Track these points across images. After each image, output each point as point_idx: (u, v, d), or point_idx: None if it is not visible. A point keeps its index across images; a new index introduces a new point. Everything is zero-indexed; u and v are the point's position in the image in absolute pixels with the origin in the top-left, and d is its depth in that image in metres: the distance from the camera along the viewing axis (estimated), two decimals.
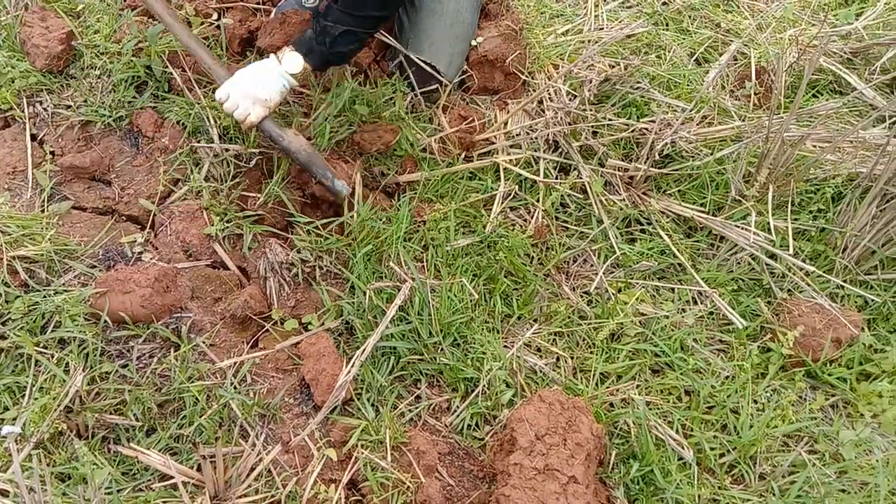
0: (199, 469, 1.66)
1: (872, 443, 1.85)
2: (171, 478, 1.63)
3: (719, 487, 1.76)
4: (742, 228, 2.15)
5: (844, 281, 2.11)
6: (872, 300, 2.08)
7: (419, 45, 2.27)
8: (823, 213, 2.21)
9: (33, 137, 2.24)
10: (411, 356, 1.89)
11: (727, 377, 1.95)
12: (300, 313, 2.00)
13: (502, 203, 2.20)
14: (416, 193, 2.18)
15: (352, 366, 1.81)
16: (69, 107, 2.30)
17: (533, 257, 2.14)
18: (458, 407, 1.85)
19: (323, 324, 1.97)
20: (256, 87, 1.96)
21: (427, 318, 1.92)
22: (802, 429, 1.87)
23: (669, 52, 2.61)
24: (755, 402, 1.91)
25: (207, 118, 2.22)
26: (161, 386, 1.79)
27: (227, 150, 2.18)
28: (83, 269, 1.94)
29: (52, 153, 2.21)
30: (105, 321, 1.82)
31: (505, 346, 1.95)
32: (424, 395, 1.86)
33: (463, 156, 2.27)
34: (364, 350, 1.84)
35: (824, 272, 2.11)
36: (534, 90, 2.38)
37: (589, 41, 2.52)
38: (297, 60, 1.99)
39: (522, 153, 2.27)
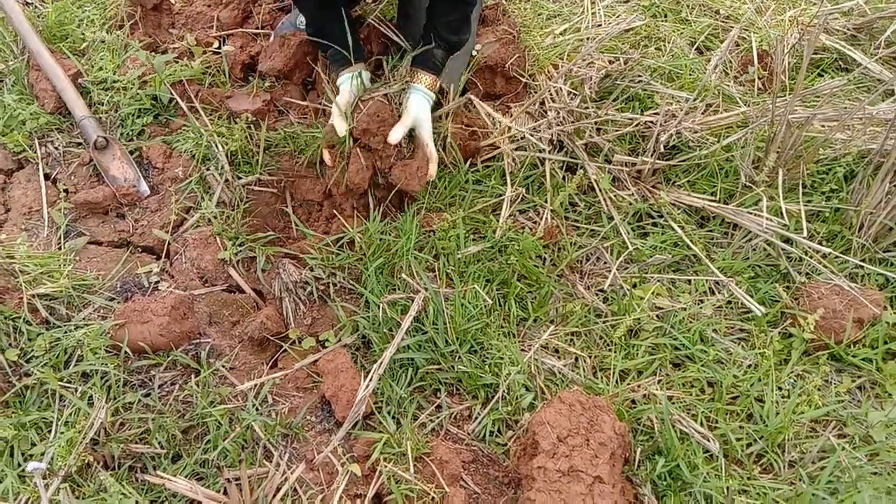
0: (225, 492, 1.67)
1: None
2: (199, 503, 1.65)
3: (748, 478, 1.73)
4: (755, 215, 2.12)
5: (863, 260, 2.08)
6: (893, 277, 2.04)
7: None
8: (836, 192, 2.18)
9: (46, 177, 2.29)
10: (429, 366, 1.90)
11: (749, 366, 1.93)
12: (317, 331, 2.01)
13: (510, 207, 2.20)
14: (423, 204, 2.19)
15: (370, 380, 1.82)
16: (80, 144, 2.35)
17: (545, 259, 2.14)
18: (479, 414, 1.85)
19: (339, 340, 1.98)
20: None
21: (442, 326, 1.92)
22: (830, 413, 1.84)
23: (669, 43, 2.59)
24: (780, 389, 1.89)
25: (215, 145, 2.26)
26: (184, 412, 1.81)
27: (236, 177, 2.21)
28: (102, 303, 1.97)
29: (65, 191, 2.25)
30: (126, 352, 1.85)
31: (522, 350, 1.95)
32: (445, 405, 1.86)
33: (468, 163, 2.27)
34: (381, 363, 1.85)
35: (841, 253, 2.08)
36: (535, 92, 2.38)
37: (587, 39, 2.52)
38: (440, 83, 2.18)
39: (527, 155, 2.26)
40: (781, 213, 2.10)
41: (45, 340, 1.85)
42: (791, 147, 2.12)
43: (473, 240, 2.14)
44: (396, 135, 2.07)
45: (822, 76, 2.51)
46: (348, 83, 2.13)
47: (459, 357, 1.91)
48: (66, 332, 1.88)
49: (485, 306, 1.99)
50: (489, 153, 2.30)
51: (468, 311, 1.96)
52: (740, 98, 2.39)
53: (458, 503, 1.63)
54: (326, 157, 2.11)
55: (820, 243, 2.10)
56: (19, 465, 1.70)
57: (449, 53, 2.16)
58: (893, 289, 2.05)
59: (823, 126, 2.23)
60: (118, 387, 1.81)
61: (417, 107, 2.12)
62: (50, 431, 1.75)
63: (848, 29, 2.59)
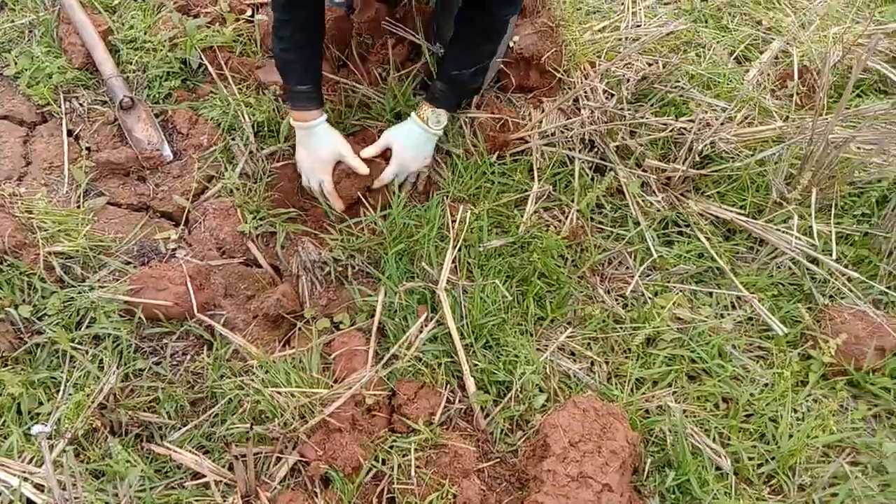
0: (230, 468, 1.66)
1: None
2: (204, 476, 1.64)
3: (757, 499, 1.71)
4: (783, 232, 2.09)
5: (888, 287, 2.05)
6: None
7: None
8: (868, 217, 2.15)
9: (69, 133, 2.26)
10: (443, 358, 1.87)
11: (766, 385, 1.91)
12: (332, 312, 1.99)
13: (536, 203, 2.17)
14: (447, 193, 2.16)
15: (382, 365, 1.80)
16: (105, 102, 2.32)
17: (567, 259, 2.11)
18: (490, 411, 1.83)
19: (354, 323, 1.95)
20: (421, 157, 2.11)
21: (459, 319, 1.89)
22: (844, 439, 1.82)
23: (709, 50, 2.55)
24: (795, 410, 1.86)
25: (242, 115, 2.22)
26: (194, 383, 1.80)
27: (261, 148, 2.18)
28: (118, 266, 1.95)
29: (87, 149, 2.23)
30: (139, 318, 1.83)
31: (538, 350, 1.92)
32: (457, 399, 1.84)
33: (496, 155, 2.24)
34: (395, 356, 1.83)
35: (868, 278, 2.05)
36: (570, 88, 2.34)
37: (626, 38, 2.48)
38: (441, 118, 2.08)
39: (557, 152, 2.23)
40: (811, 233, 2.07)
41: (59, 299, 1.83)
42: (827, 167, 2.08)
43: (496, 234, 2.11)
44: (367, 152, 2.07)
45: (862, 97, 2.47)
46: (330, 131, 2.06)
47: (474, 351, 1.88)
48: (80, 293, 1.86)
49: (503, 302, 1.96)
50: (518, 146, 2.26)
51: (486, 306, 1.94)
52: (777, 112, 2.36)
53: (472, 496, 1.62)
54: (340, 205, 2.10)
55: (846, 266, 2.07)
56: (26, 423, 1.68)
57: (449, 87, 2.07)
58: None
59: (860, 148, 2.19)
60: (129, 352, 1.80)
61: (394, 131, 2.09)
62: (58, 392, 1.74)
63: (891, 51, 2.54)
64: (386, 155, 2.10)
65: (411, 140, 2.08)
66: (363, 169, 2.04)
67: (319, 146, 2.05)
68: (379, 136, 2.11)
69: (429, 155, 2.13)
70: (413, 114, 2.09)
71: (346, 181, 2.08)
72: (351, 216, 2.11)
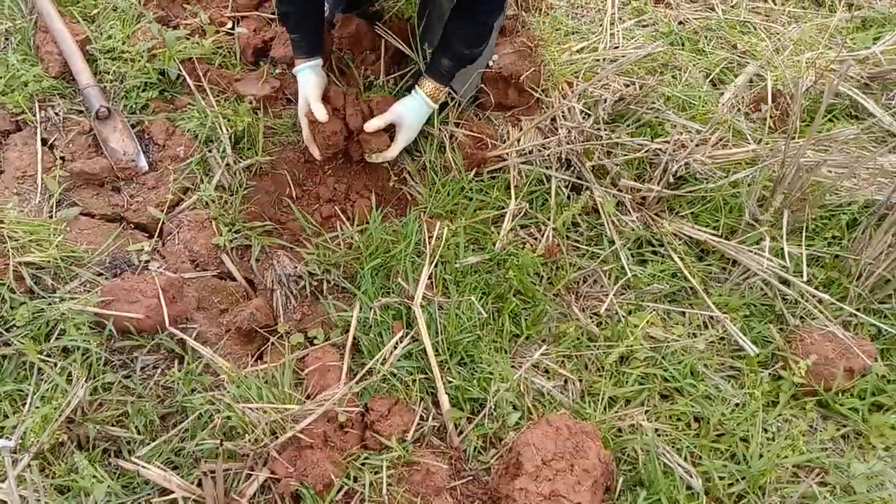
0: (199, 484, 1.64)
1: (884, 476, 1.81)
2: (172, 492, 1.61)
3: None
4: (755, 253, 2.12)
5: (858, 309, 2.08)
6: (886, 330, 2.05)
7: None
8: (838, 240, 2.18)
9: (44, 142, 2.23)
10: (417, 375, 1.87)
11: (737, 404, 1.92)
12: (306, 327, 1.98)
13: (512, 220, 2.18)
14: (425, 209, 2.16)
15: (355, 381, 1.79)
16: (81, 112, 2.30)
17: (543, 277, 2.12)
18: (463, 428, 1.82)
19: (328, 338, 1.94)
20: (419, 129, 2.21)
21: (434, 336, 1.89)
22: (813, 459, 1.83)
23: (685, 72, 2.58)
24: (765, 430, 1.88)
25: (220, 127, 2.22)
26: (164, 398, 1.78)
27: (238, 160, 2.17)
28: (89, 277, 1.93)
29: (62, 158, 2.20)
30: (110, 330, 1.80)
31: (512, 367, 1.93)
32: (431, 416, 1.83)
33: (474, 172, 2.25)
34: (370, 372, 1.82)
35: (838, 300, 2.08)
36: (547, 108, 2.36)
37: (604, 59, 2.51)
38: (444, 93, 2.19)
39: (534, 170, 2.24)
40: (783, 255, 2.10)
41: (28, 310, 1.80)
42: (798, 190, 2.11)
43: (473, 250, 2.11)
44: (373, 124, 2.10)
45: (833, 122, 2.51)
46: (309, 76, 2.13)
47: (448, 368, 1.88)
48: (50, 304, 1.83)
49: (479, 319, 1.96)
50: (496, 164, 2.28)
51: (461, 323, 1.94)
52: (751, 135, 2.39)
53: None
54: (316, 153, 2.16)
55: (817, 288, 2.09)
56: None
57: (457, 64, 2.12)
58: (885, 340, 2.05)
59: (831, 172, 2.23)
60: (99, 365, 1.77)
61: (403, 107, 2.13)
62: (24, 404, 1.70)
63: (862, 77, 2.60)
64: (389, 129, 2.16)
65: (418, 116, 2.16)
66: (321, 115, 2.07)
67: (299, 90, 2.14)
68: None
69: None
70: (419, 90, 2.15)
71: (313, 128, 2.12)
72: (327, 230, 2.11)
